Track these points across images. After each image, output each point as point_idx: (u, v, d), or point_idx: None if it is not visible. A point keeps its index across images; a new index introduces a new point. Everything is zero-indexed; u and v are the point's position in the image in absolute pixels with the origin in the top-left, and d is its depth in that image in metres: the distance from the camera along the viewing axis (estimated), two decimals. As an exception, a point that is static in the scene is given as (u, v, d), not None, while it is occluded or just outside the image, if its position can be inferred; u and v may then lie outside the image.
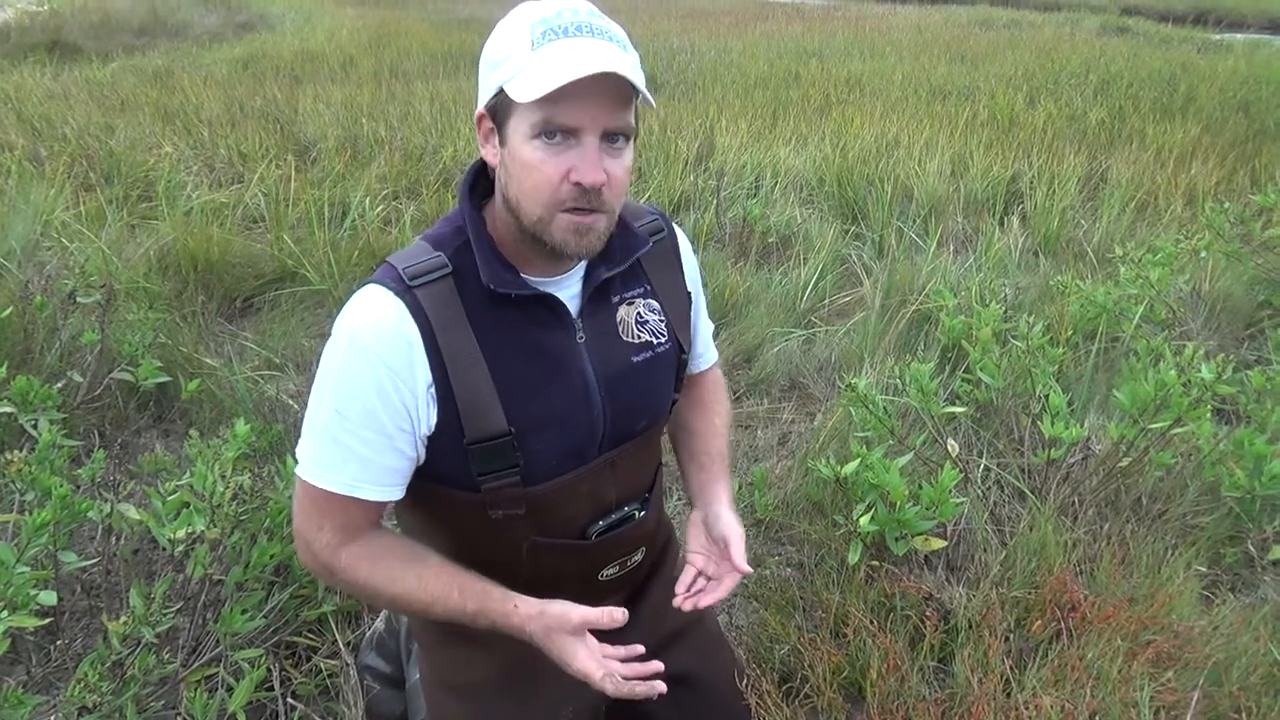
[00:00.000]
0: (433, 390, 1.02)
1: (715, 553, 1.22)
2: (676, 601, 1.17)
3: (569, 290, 1.09)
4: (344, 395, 1.01)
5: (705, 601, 1.17)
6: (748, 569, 1.18)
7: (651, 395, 1.19)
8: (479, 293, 1.03)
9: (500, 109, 0.97)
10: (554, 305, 1.07)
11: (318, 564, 1.08)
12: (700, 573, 1.21)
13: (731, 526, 1.20)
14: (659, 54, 9.85)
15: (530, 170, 0.95)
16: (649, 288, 1.17)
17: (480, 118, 1.00)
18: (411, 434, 1.03)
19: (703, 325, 1.33)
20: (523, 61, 0.93)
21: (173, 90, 7.25)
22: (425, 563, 1.07)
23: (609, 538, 1.19)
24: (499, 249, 1.05)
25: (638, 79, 0.93)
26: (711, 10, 17.27)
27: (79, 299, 2.66)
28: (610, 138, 0.96)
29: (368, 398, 1.00)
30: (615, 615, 1.01)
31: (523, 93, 0.91)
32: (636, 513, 1.21)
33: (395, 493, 1.07)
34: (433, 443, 1.05)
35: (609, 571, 1.23)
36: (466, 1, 16.57)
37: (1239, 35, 14.27)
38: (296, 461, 1.06)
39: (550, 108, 0.92)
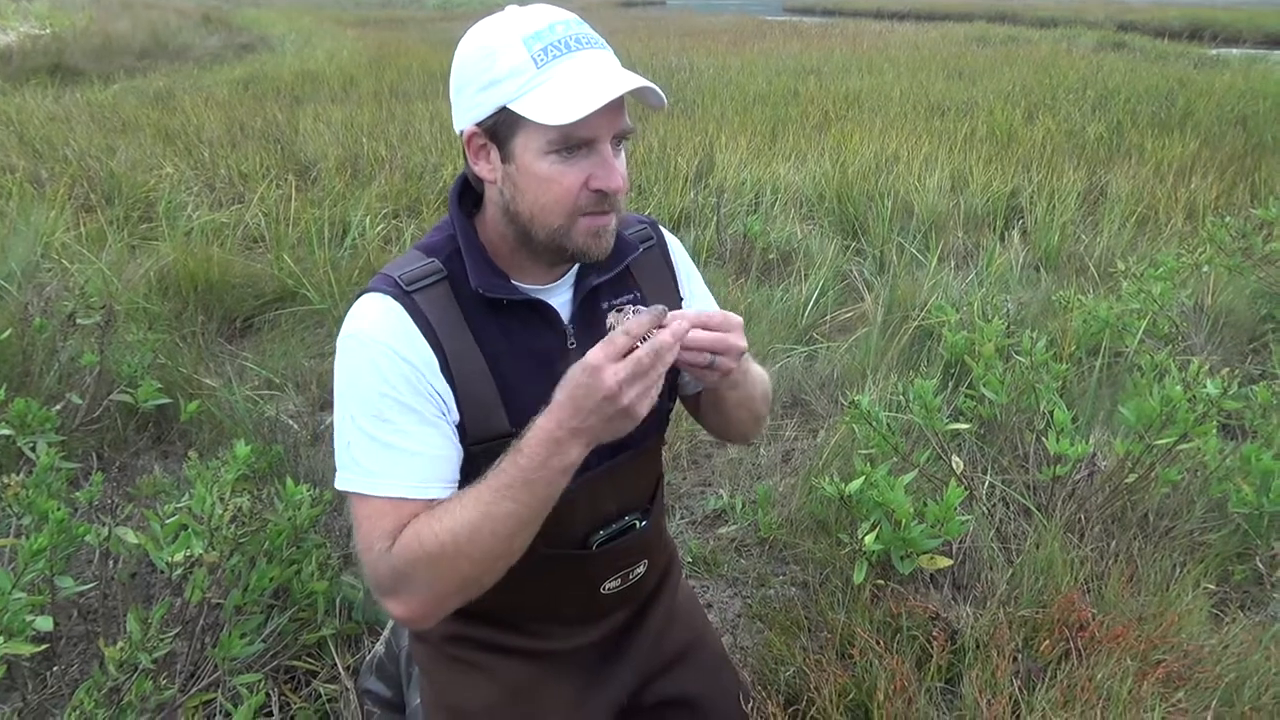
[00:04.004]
0: (447, 386, 1.01)
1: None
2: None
3: (560, 297, 1.10)
4: (374, 395, 0.98)
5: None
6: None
7: None
8: (473, 297, 1.04)
9: (502, 127, 0.97)
10: (545, 311, 1.08)
11: (382, 579, 0.97)
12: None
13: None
14: (657, 72, 9.92)
15: (549, 184, 0.97)
16: (638, 294, 1.18)
17: (471, 135, 1.00)
18: (448, 423, 1.01)
19: None
20: (528, 80, 0.93)
21: (174, 111, 7.29)
22: (459, 493, 0.97)
23: (610, 547, 1.18)
24: (490, 256, 1.06)
25: (656, 87, 0.96)
26: (709, 29, 17.41)
27: (78, 320, 2.66)
28: (616, 139, 0.98)
29: (398, 390, 0.98)
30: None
31: (547, 115, 0.91)
32: (637, 522, 1.20)
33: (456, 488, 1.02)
34: None
35: (611, 584, 1.22)
36: (466, 21, 16.64)
37: (1235, 50, 14.37)
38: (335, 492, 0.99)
39: (568, 125, 0.93)
